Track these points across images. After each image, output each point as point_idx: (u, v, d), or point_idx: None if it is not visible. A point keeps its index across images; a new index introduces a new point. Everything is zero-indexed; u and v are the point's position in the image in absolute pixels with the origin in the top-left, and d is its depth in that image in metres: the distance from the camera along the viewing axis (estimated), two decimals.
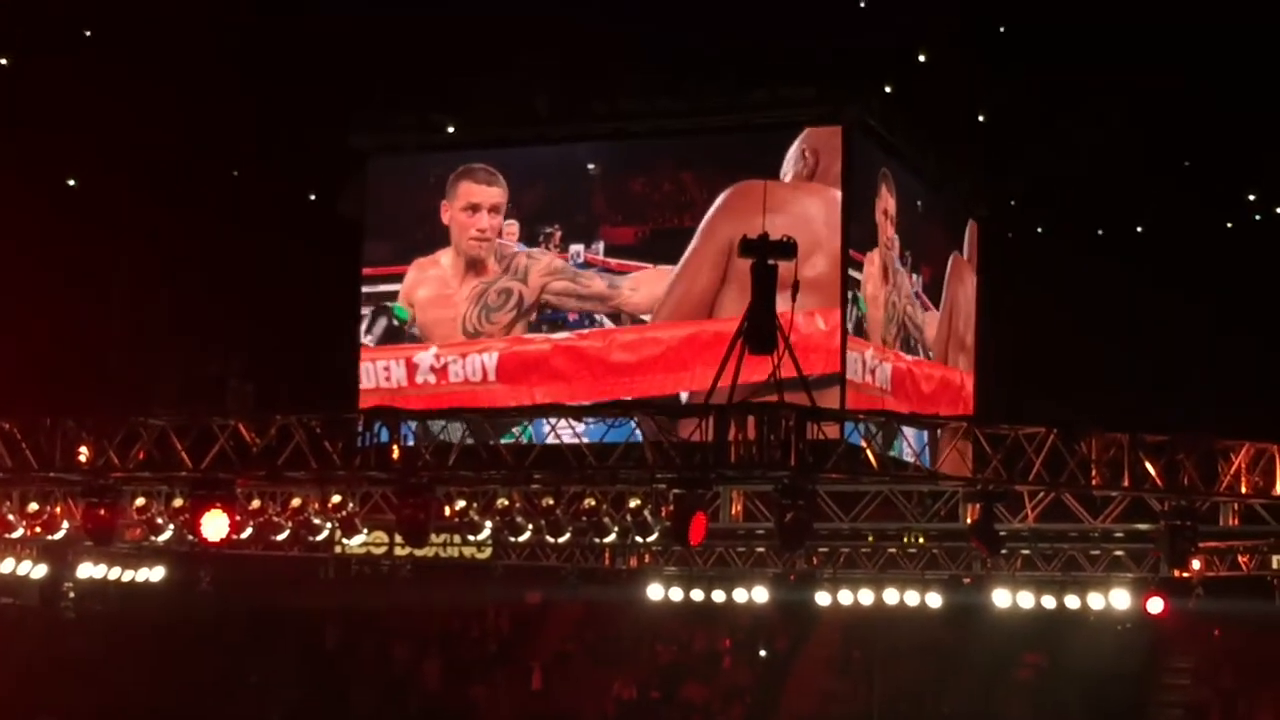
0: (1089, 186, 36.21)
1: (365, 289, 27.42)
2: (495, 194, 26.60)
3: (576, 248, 26.32)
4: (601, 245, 26.19)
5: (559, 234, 26.44)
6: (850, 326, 24.96)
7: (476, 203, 26.66)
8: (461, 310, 26.72)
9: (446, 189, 26.84)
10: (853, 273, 25.18)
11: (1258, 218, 37.39)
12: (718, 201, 25.60)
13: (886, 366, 25.70)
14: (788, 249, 20.60)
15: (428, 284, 27.00)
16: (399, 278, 27.15)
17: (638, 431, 21.41)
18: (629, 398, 25.14)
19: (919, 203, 27.51)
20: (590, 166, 26.60)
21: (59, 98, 34.61)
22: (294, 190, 36.42)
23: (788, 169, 25.22)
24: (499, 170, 26.78)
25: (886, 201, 26.57)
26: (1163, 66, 33.10)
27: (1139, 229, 37.63)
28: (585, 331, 26.09)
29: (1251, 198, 37.12)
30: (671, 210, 25.97)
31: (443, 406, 25.01)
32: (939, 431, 23.40)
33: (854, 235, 25.32)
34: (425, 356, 26.82)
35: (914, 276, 27.60)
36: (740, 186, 25.34)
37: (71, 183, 37.31)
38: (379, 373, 27.05)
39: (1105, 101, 34.13)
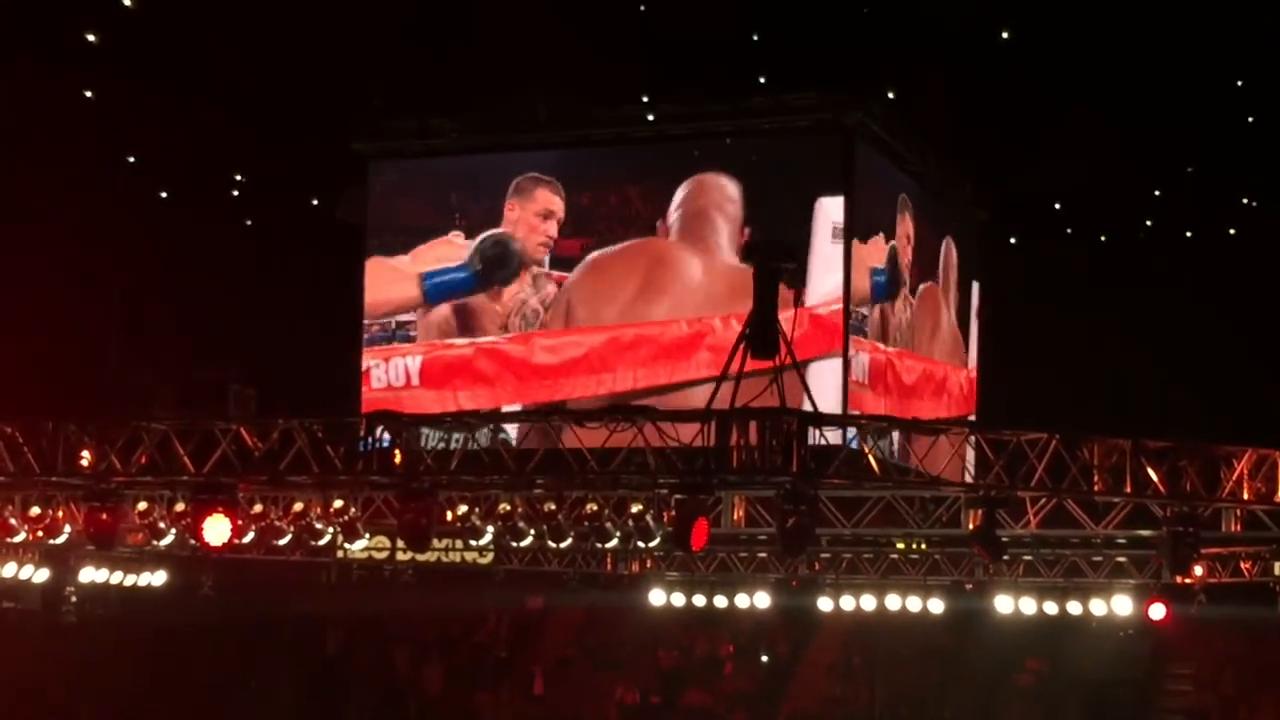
0: (1090, 191, 36.20)
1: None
2: (561, 204, 26.69)
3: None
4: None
5: None
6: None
7: (551, 210, 26.72)
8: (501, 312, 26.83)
9: (513, 187, 26.80)
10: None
11: (1259, 222, 37.39)
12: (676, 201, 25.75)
13: (864, 358, 25.71)
14: (792, 254, 20.61)
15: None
16: None
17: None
18: (552, 400, 25.48)
19: (904, 195, 27.48)
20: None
21: (60, 101, 34.61)
22: (295, 195, 36.41)
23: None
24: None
25: (907, 227, 26.72)
26: (1164, 71, 33.09)
27: (1140, 235, 37.61)
28: (510, 335, 26.24)
29: (1253, 203, 37.10)
30: (618, 224, 26.09)
31: (372, 410, 25.33)
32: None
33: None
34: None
35: (905, 275, 27.62)
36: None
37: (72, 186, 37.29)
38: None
39: (1107, 106, 34.12)
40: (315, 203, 35.93)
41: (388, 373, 26.77)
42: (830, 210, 24.98)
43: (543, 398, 25.66)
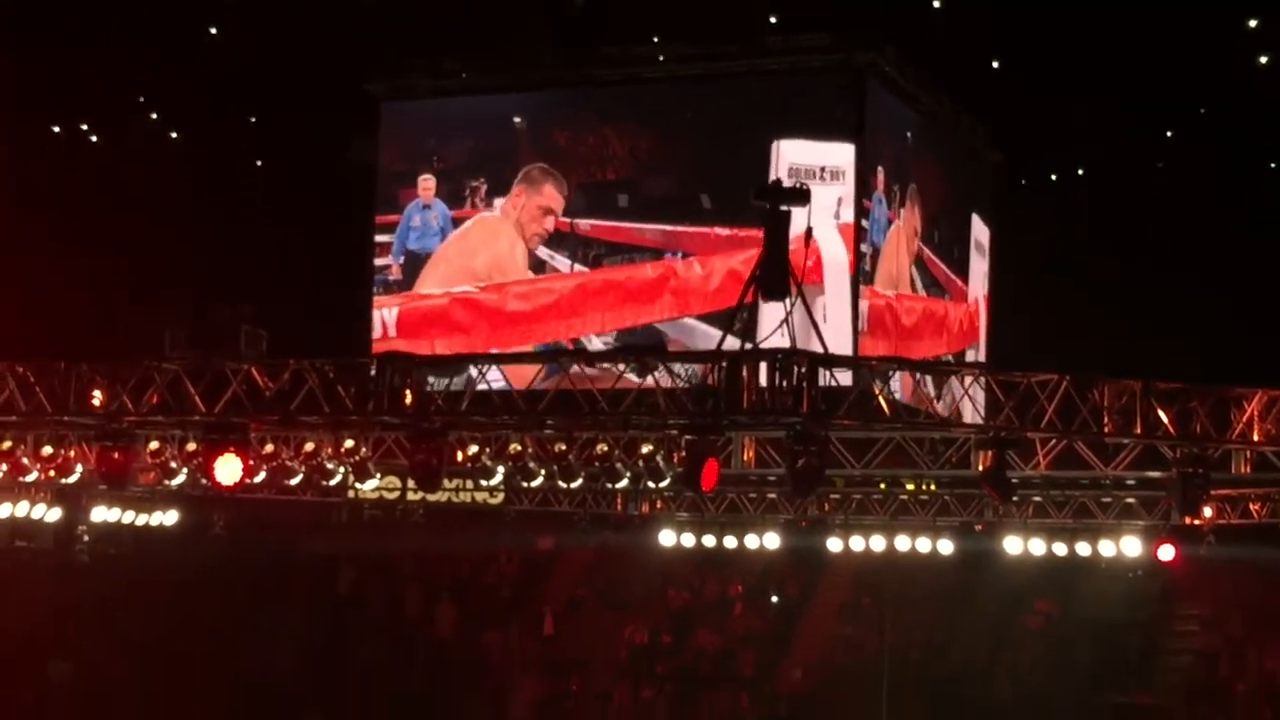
0: (1104, 132, 36.09)
1: (377, 239, 27.51)
2: (562, 202, 26.76)
3: (499, 201, 26.56)
4: (563, 204, 26.37)
5: (484, 188, 26.63)
6: None
7: (552, 209, 26.79)
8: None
9: (521, 175, 26.89)
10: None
11: (1273, 165, 37.27)
12: None
13: (864, 304, 25.76)
14: (802, 195, 20.59)
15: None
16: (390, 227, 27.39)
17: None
18: (526, 346, 25.75)
19: (909, 134, 27.44)
20: (516, 120, 26.76)
21: (70, 44, 34.57)
22: (307, 136, 36.38)
23: None
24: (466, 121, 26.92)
25: (915, 220, 26.74)
26: (1182, 14, 32.95)
27: (1153, 174, 37.52)
28: (483, 285, 26.38)
29: (1267, 145, 36.98)
30: (595, 164, 26.15)
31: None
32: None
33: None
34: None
35: (900, 211, 27.61)
36: None
37: (84, 128, 37.34)
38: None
39: (1121, 49, 33.97)
40: (327, 143, 35.90)
41: (367, 325, 27.31)
42: (787, 153, 25.11)
43: (515, 343, 25.89)
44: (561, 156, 26.45)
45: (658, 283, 25.49)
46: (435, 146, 27.08)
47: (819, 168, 25.30)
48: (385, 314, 26.95)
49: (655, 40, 27.64)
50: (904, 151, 27.28)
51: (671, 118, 26.08)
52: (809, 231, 20.96)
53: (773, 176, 24.67)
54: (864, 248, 25.45)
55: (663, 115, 26.10)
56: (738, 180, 24.17)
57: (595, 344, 25.71)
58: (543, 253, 26.49)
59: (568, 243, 26.37)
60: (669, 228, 25.73)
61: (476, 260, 27.08)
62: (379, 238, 27.64)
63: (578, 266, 26.23)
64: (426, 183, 26.94)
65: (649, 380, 21.28)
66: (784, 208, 20.47)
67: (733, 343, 21.04)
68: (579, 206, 26.38)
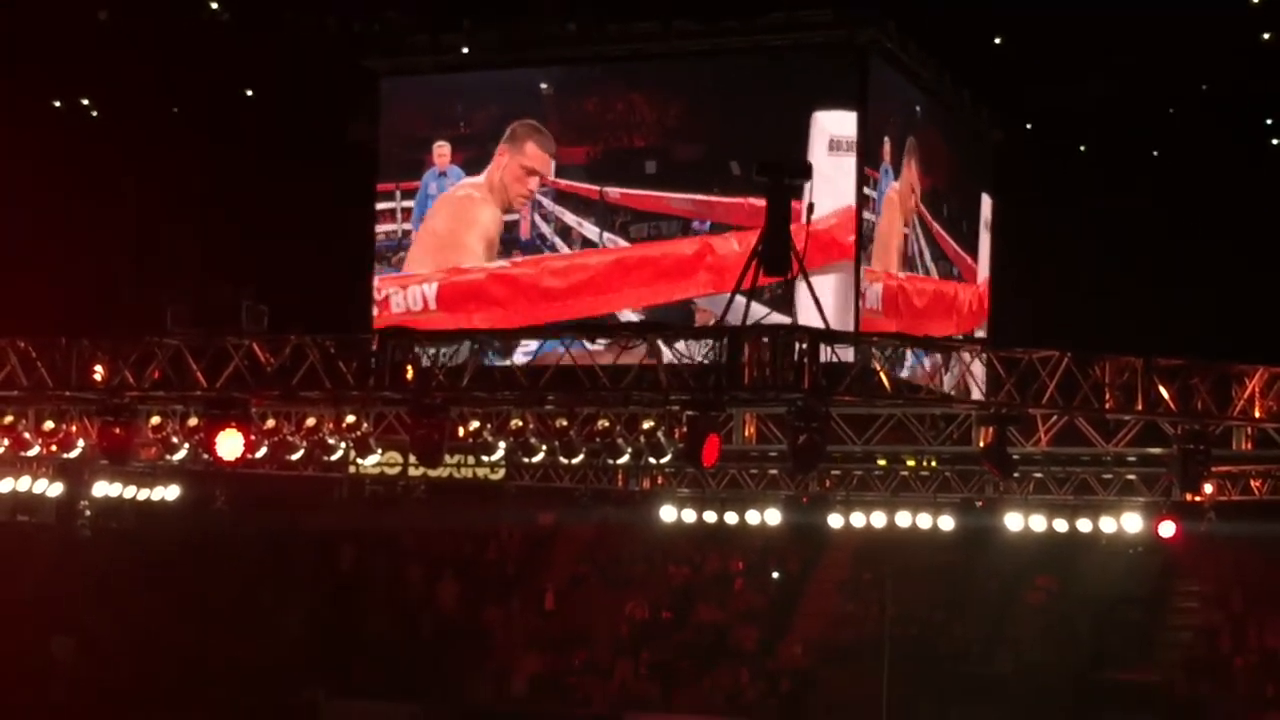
0: (1105, 111, 36.06)
1: (380, 204, 27.47)
2: (549, 162, 26.69)
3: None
4: (553, 165, 26.30)
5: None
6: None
7: (536, 168, 26.72)
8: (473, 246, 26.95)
9: (508, 132, 26.81)
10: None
11: (1275, 142, 37.23)
12: None
13: (877, 287, 25.74)
14: (804, 170, 20.58)
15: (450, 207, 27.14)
16: (411, 194, 27.29)
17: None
18: (563, 320, 25.60)
19: (918, 108, 27.41)
20: (543, 86, 26.67)
21: (71, 20, 34.52)
22: (308, 112, 36.34)
23: None
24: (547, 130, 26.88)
25: (913, 177, 26.65)
26: None
27: (1155, 153, 37.48)
28: (519, 259, 26.36)
29: (1269, 121, 36.95)
30: (623, 130, 26.09)
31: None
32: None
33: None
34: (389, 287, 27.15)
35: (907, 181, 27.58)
36: None
37: (85, 102, 37.29)
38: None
39: (1120, 26, 33.93)
40: (327, 120, 35.85)
41: (406, 298, 26.95)
42: (826, 124, 24.99)
43: (553, 318, 25.83)
44: (589, 123, 26.30)
45: (694, 259, 25.35)
46: (462, 112, 26.97)
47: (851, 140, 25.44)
48: (425, 289, 26.85)
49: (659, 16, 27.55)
50: (910, 123, 27.25)
51: (702, 84, 25.91)
52: (809, 208, 20.95)
53: (812, 148, 24.81)
54: (868, 215, 25.39)
55: (692, 81, 25.95)
56: (770, 149, 24.09)
57: (629, 319, 25.61)
58: (570, 219, 26.34)
59: (596, 210, 26.18)
60: (699, 197, 25.45)
61: (445, 241, 27.09)
62: (381, 204, 27.54)
63: (607, 235, 26.11)
64: (442, 149, 26.85)
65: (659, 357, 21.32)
66: (785, 184, 20.48)
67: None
68: (606, 172, 26.19)
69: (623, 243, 25.98)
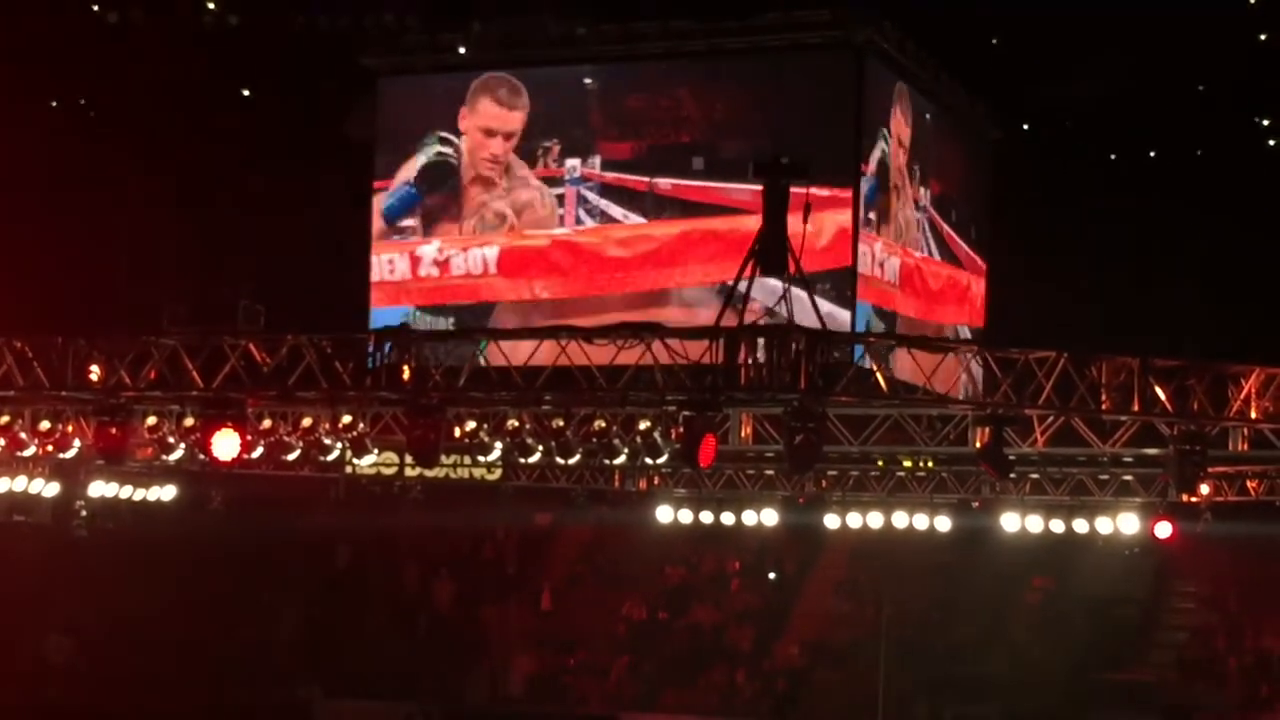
0: (1102, 110, 36.08)
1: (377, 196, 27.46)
2: (514, 119, 26.56)
3: (573, 162, 26.36)
4: (598, 160, 26.19)
5: (557, 148, 26.43)
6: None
7: (493, 128, 26.59)
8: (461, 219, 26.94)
9: (467, 97, 26.73)
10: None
11: (1271, 143, 37.26)
12: None
13: (895, 260, 25.72)
14: (801, 170, 20.57)
15: None
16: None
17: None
18: (624, 292, 25.53)
19: (927, 115, 27.42)
20: (587, 81, 26.56)
21: (68, 16, 34.52)
22: (305, 111, 36.35)
23: None
24: (524, 85, 26.67)
25: (901, 129, 26.52)
26: None
27: (1151, 154, 37.51)
28: (583, 228, 26.22)
29: (1265, 122, 36.98)
30: (669, 126, 25.96)
31: (445, 300, 25.93)
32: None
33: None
34: (429, 250, 26.92)
35: (923, 190, 27.57)
36: None
37: (82, 101, 37.29)
38: (383, 266, 27.26)
39: (1118, 26, 33.96)
40: (325, 119, 35.87)
41: (466, 261, 26.77)
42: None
43: (613, 290, 25.68)
44: (634, 119, 26.18)
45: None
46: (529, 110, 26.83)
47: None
48: (487, 253, 26.67)
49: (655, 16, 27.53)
50: (923, 132, 27.27)
51: (750, 80, 25.76)
52: (807, 208, 20.95)
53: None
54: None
55: (739, 77, 25.85)
56: (824, 144, 24.12)
57: (689, 295, 25.40)
58: (616, 212, 26.08)
59: (644, 202, 25.99)
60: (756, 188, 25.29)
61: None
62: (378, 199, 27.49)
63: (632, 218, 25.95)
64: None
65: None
66: (782, 183, 20.49)
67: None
68: (652, 168, 26.00)
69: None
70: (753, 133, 25.46)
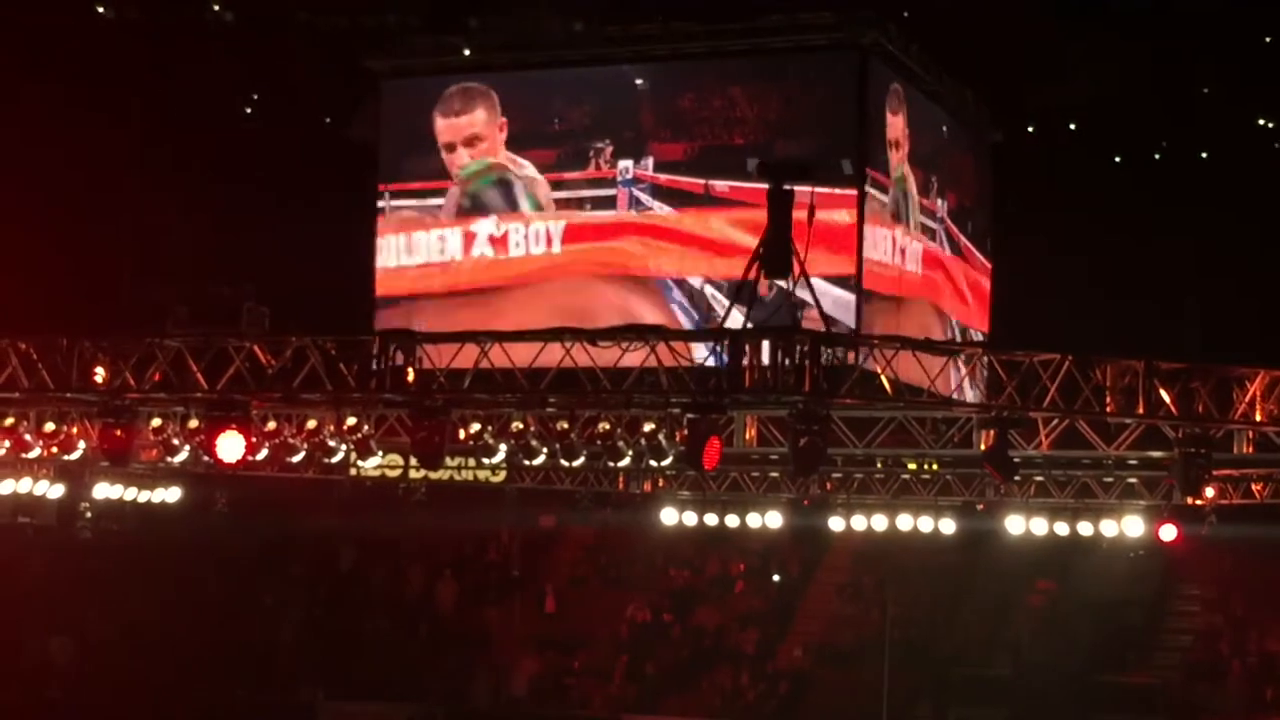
0: (1105, 113, 36.09)
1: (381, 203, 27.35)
2: (467, 125, 26.35)
3: (625, 164, 25.96)
4: (651, 161, 25.85)
5: (609, 150, 26.09)
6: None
7: (450, 141, 26.47)
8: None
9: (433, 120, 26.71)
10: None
11: (1277, 145, 37.26)
12: None
13: (917, 247, 25.64)
14: (805, 172, 20.56)
15: None
16: (416, 193, 27.09)
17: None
18: (695, 277, 24.85)
19: (944, 128, 27.41)
20: (639, 82, 26.28)
21: (74, 19, 34.55)
22: (309, 113, 36.39)
23: None
24: (491, 88, 26.48)
25: (896, 130, 26.47)
26: None
27: (1156, 155, 37.51)
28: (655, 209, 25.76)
29: (1269, 125, 36.97)
30: (721, 126, 25.68)
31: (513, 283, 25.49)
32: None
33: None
34: (485, 225, 26.45)
35: (940, 201, 27.54)
36: None
37: (89, 102, 37.30)
38: (431, 244, 26.82)
39: (1121, 29, 33.97)
40: (329, 121, 35.92)
41: (526, 238, 26.41)
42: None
43: (684, 274, 25.25)
44: (686, 119, 25.93)
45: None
46: (560, 108, 26.61)
47: None
48: (551, 226, 26.33)
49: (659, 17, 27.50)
50: (939, 143, 27.27)
51: (804, 78, 25.51)
52: (811, 210, 20.93)
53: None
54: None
55: (790, 75, 25.66)
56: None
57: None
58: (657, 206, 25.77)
59: (699, 204, 25.69)
60: (819, 189, 24.99)
61: None
62: (383, 203, 27.37)
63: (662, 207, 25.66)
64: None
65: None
66: (787, 185, 20.49)
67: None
68: (706, 170, 25.71)
69: None
70: (805, 134, 25.20)
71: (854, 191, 24.55)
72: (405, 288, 26.49)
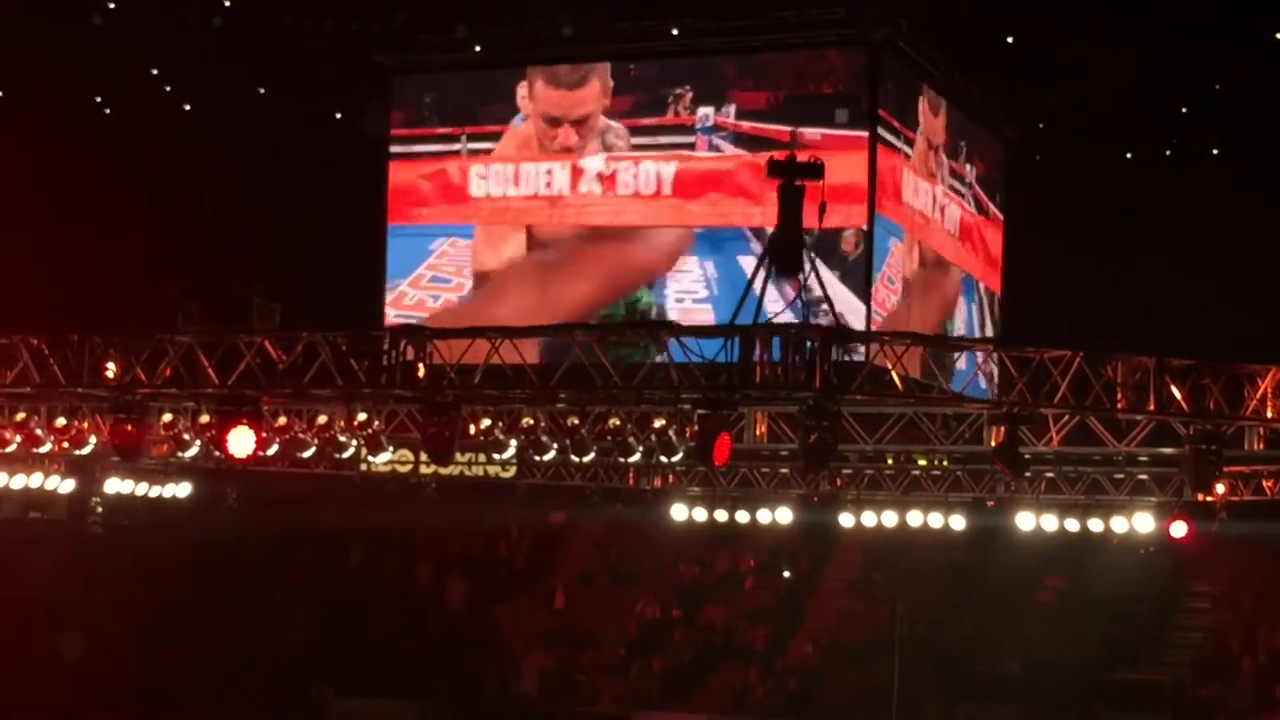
0: (1117, 109, 36.01)
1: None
2: (585, 101, 26.19)
3: (705, 110, 25.58)
4: (733, 109, 25.50)
5: (689, 95, 25.79)
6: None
7: (558, 116, 26.27)
8: None
9: (527, 73, 26.39)
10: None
11: None
12: None
13: (955, 211, 25.58)
14: (816, 170, 20.55)
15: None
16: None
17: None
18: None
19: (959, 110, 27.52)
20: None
21: (82, 15, 34.56)
22: (319, 109, 36.36)
23: None
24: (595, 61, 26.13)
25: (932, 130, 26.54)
26: None
27: (1167, 152, 37.43)
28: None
29: None
30: (809, 78, 25.42)
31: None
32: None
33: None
34: (593, 162, 26.26)
35: (969, 167, 27.58)
36: None
37: (98, 100, 37.33)
38: (539, 177, 26.63)
39: (1134, 24, 33.89)
40: (339, 116, 35.90)
41: (636, 178, 26.08)
42: None
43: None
44: (769, 69, 25.64)
45: None
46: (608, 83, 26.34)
47: None
48: (662, 168, 25.88)
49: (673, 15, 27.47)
50: (956, 118, 27.35)
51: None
52: (822, 206, 20.91)
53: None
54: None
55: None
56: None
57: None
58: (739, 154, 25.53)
59: (782, 149, 25.38)
60: (832, 131, 24.62)
61: None
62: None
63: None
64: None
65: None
66: (797, 183, 20.48)
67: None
68: (791, 119, 25.45)
69: None
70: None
71: (865, 133, 24.48)
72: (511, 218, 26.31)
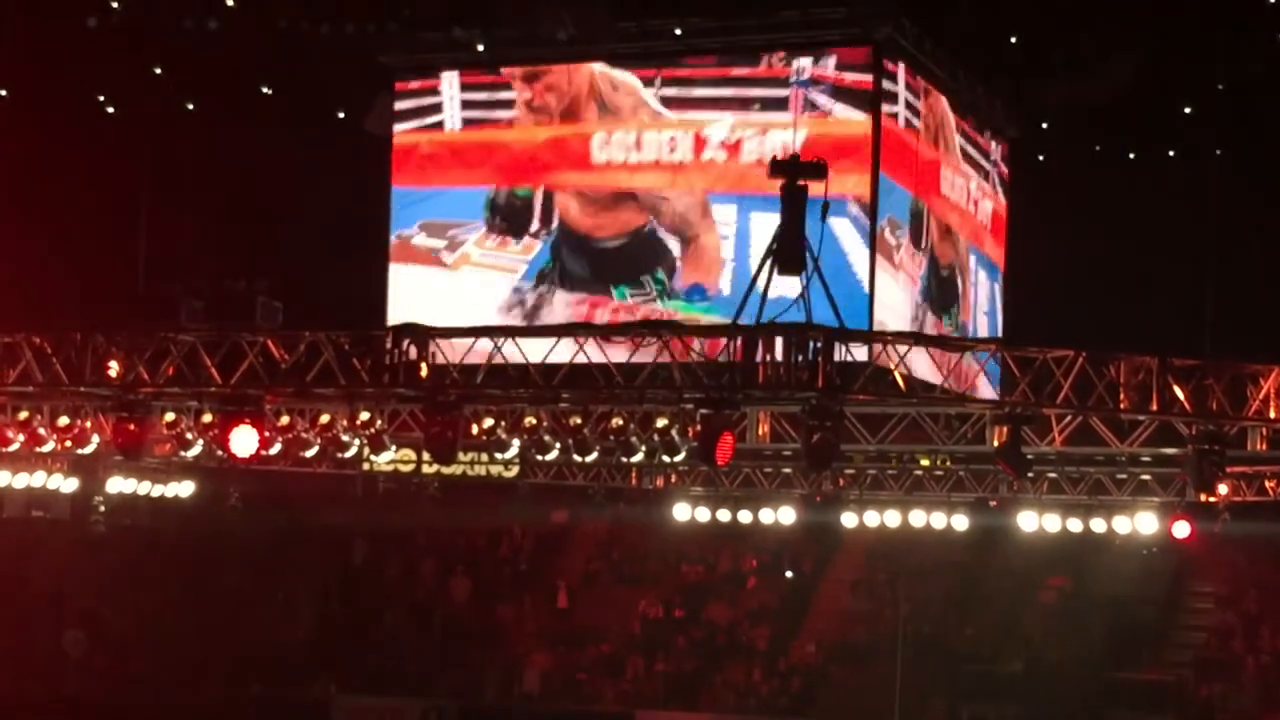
0: (1121, 109, 35.97)
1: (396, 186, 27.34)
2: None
3: (802, 63, 25.06)
4: (833, 61, 24.95)
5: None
6: None
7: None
8: None
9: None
10: None
11: None
12: None
13: (989, 205, 25.68)
14: (819, 170, 20.55)
15: None
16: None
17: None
18: None
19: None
20: None
21: (86, 12, 34.54)
22: (323, 107, 36.34)
23: None
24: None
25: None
26: None
27: (1170, 153, 37.39)
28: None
29: None
30: None
31: None
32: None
33: None
34: (716, 131, 25.92)
35: (994, 144, 27.66)
36: None
37: (101, 99, 37.31)
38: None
39: (1136, 23, 33.86)
40: (343, 115, 35.87)
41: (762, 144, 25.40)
42: None
43: None
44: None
45: None
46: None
47: None
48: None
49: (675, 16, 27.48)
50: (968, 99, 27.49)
51: None
52: (825, 207, 20.91)
53: None
54: None
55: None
56: None
57: None
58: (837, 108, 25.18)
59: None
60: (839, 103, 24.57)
61: None
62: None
63: None
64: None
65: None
66: (799, 183, 20.48)
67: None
68: None
69: None
70: None
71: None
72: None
